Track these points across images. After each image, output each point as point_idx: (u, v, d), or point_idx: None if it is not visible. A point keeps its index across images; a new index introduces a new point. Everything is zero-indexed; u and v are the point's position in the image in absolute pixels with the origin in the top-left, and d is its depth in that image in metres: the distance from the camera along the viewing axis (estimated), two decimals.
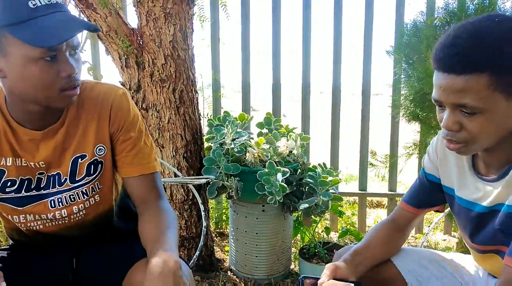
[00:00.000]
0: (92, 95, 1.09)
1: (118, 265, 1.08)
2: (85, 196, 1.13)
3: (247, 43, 2.59)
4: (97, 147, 1.10)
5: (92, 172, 1.11)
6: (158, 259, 0.90)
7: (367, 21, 2.50)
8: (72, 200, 1.11)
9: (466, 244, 1.14)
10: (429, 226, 2.51)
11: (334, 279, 0.98)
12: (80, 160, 1.10)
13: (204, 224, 1.54)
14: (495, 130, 0.88)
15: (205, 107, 2.51)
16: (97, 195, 1.15)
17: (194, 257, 1.35)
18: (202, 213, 1.65)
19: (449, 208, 1.15)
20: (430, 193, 1.16)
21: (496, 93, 0.83)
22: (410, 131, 2.47)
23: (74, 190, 1.11)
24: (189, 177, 1.80)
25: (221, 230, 2.79)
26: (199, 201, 1.60)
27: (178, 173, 1.85)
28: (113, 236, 1.19)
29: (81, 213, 1.14)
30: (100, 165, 1.12)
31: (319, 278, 1.00)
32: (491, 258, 1.04)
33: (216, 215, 2.82)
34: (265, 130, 2.24)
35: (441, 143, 1.09)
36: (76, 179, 1.11)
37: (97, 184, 1.14)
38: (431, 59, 0.91)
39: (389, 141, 2.60)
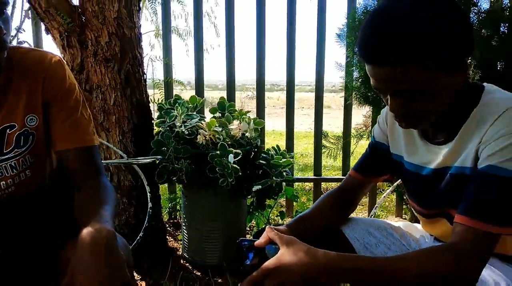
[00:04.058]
0: (24, 62, 1.00)
1: (50, 244, 0.99)
2: (14, 170, 1.03)
3: (200, 39, 2.54)
4: (28, 117, 1.01)
5: (22, 144, 1.02)
6: (90, 229, 0.83)
7: (320, 8, 2.51)
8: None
9: (414, 212, 1.14)
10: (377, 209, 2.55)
11: (272, 242, 0.94)
12: (8, 130, 1.00)
13: (150, 205, 1.46)
14: (441, 104, 0.88)
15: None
16: (28, 170, 1.05)
17: (138, 238, 1.27)
18: (148, 194, 1.57)
19: (395, 186, 1.14)
20: (379, 161, 1.15)
21: (431, 73, 0.82)
22: (364, 114, 2.50)
23: (1, 164, 1.01)
24: (133, 158, 1.71)
25: (176, 220, 2.71)
26: (145, 182, 1.52)
27: (123, 154, 1.76)
28: (45, 214, 1.09)
29: (9, 189, 1.04)
30: (31, 137, 1.03)
31: (255, 241, 0.96)
32: (439, 222, 1.04)
33: (170, 205, 2.74)
34: (218, 115, 2.18)
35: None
36: (4, 152, 1.01)
37: (28, 157, 1.04)
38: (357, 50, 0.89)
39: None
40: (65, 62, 1.08)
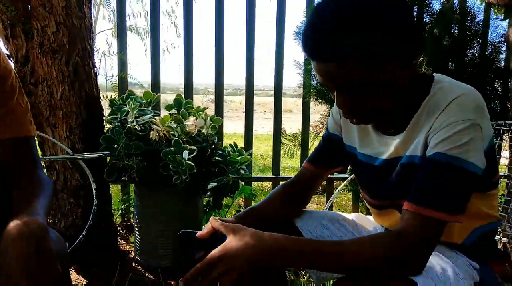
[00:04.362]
0: None
1: None
2: None
3: (156, 38, 2.49)
4: None
5: None
6: (17, 221, 0.75)
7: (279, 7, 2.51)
8: None
9: (366, 204, 1.13)
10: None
11: (218, 235, 0.90)
12: None
13: (95, 202, 1.38)
14: (389, 100, 0.87)
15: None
16: None
17: (80, 236, 1.19)
18: (94, 191, 1.48)
19: (348, 180, 1.14)
20: (332, 153, 1.15)
21: (374, 69, 0.81)
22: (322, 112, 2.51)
23: None
24: (79, 154, 1.61)
25: (129, 223, 2.60)
26: (91, 179, 1.43)
27: (68, 150, 1.66)
28: None
29: None
30: None
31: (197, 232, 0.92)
32: (390, 214, 1.04)
33: (123, 206, 2.63)
34: (174, 112, 2.12)
35: None
36: None
37: None
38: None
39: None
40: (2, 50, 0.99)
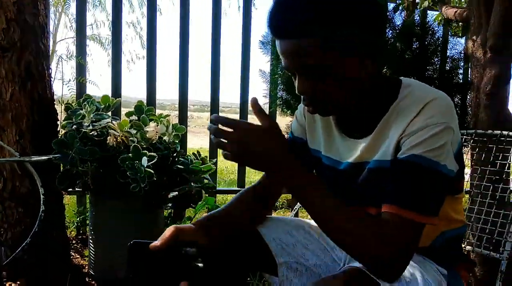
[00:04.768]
0: None
1: None
2: None
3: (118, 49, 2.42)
4: None
5: None
6: None
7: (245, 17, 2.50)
8: None
9: None
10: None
11: (176, 242, 0.84)
12: None
13: (42, 208, 1.27)
14: (350, 92, 0.86)
15: None
16: None
17: (24, 244, 1.08)
18: (41, 196, 1.37)
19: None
20: (296, 156, 1.09)
21: (335, 50, 0.81)
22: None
23: None
24: (26, 156, 1.50)
25: (85, 236, 2.45)
26: (38, 184, 1.32)
27: (16, 153, 1.53)
28: None
29: None
30: None
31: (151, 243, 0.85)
32: None
33: (78, 219, 2.48)
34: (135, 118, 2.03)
35: None
36: None
37: None
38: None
39: None
40: None
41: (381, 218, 0.81)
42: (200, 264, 0.85)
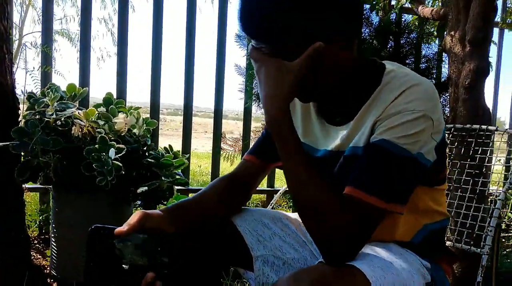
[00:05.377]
0: None
1: None
2: None
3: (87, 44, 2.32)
4: None
5: None
6: None
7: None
8: None
9: None
10: None
11: (143, 229, 0.77)
12: None
13: None
14: (328, 76, 0.84)
15: None
16: None
17: None
18: None
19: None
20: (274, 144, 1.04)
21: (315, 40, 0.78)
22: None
23: None
24: None
25: (47, 236, 2.31)
26: None
27: None
28: None
29: None
30: None
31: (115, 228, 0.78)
32: None
33: (41, 218, 2.34)
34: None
35: None
36: None
37: None
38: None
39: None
40: None
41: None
42: (165, 259, 0.78)
